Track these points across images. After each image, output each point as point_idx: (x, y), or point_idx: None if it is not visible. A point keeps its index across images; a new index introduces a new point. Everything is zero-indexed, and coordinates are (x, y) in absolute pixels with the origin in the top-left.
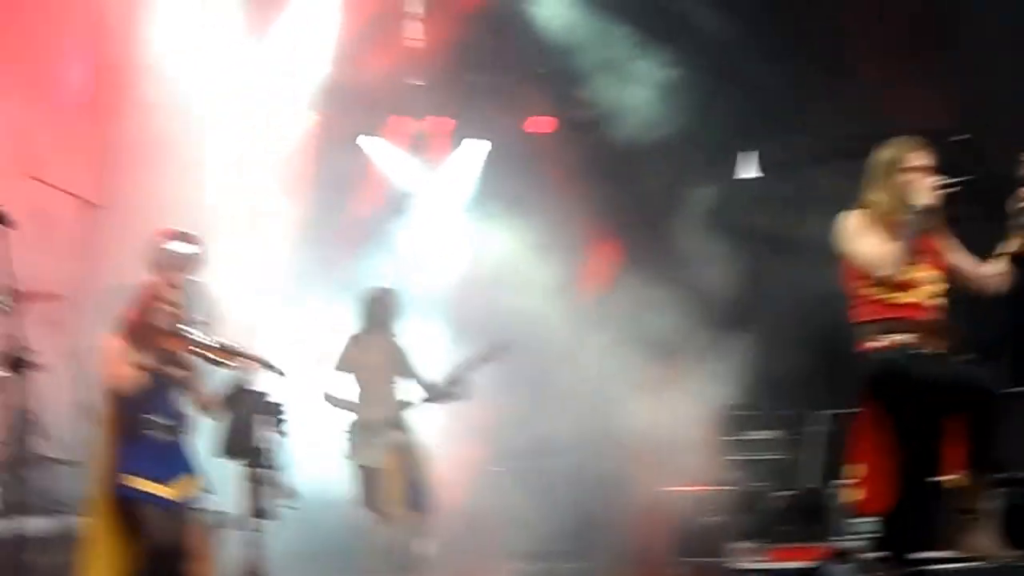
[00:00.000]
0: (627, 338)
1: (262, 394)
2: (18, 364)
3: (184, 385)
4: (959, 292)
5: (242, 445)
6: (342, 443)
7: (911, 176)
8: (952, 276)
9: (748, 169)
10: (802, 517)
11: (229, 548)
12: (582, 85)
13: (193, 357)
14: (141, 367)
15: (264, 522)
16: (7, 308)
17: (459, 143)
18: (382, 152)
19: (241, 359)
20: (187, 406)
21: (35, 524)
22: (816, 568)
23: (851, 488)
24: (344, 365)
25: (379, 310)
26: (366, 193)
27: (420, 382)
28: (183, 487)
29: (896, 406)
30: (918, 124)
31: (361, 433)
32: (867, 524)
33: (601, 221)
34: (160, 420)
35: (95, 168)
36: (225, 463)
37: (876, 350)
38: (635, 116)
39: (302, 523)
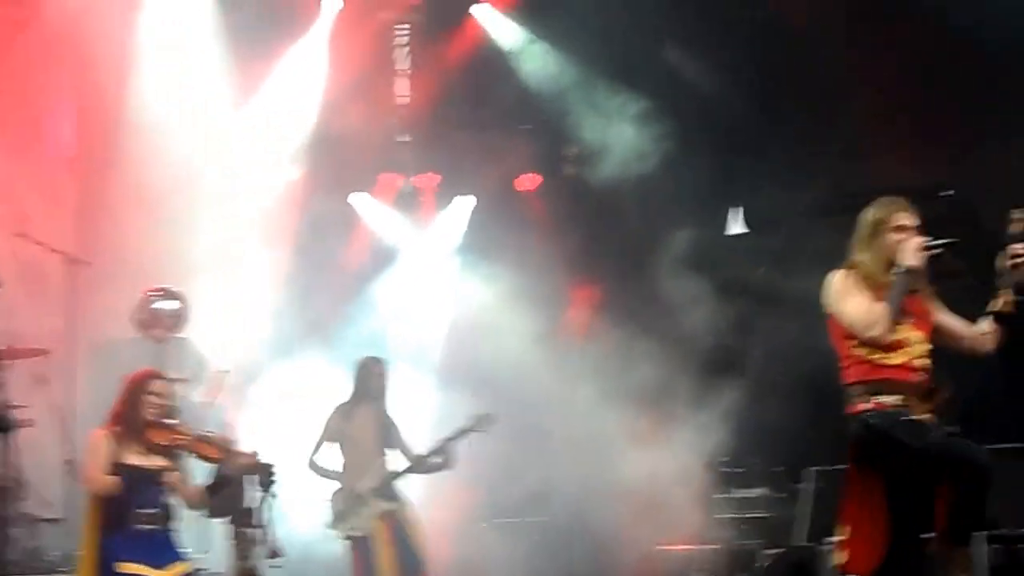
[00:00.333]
0: (614, 390)
1: (253, 455)
2: (2, 422)
3: (170, 478)
4: (947, 352)
5: (229, 504)
6: (326, 513)
7: (897, 236)
8: (940, 336)
9: (737, 224)
10: None
11: None
12: (567, 140)
13: (181, 450)
14: (122, 465)
15: None
16: None
17: (445, 198)
18: (369, 207)
19: (231, 454)
20: (172, 497)
21: None
22: None
23: (837, 548)
24: (330, 435)
25: (369, 380)
26: (353, 247)
27: (406, 454)
28: (176, 570)
29: (882, 468)
30: (907, 181)
31: (347, 503)
32: None
33: (586, 273)
34: (146, 511)
35: (81, 223)
36: (212, 522)
37: (863, 411)
38: (620, 170)
39: None
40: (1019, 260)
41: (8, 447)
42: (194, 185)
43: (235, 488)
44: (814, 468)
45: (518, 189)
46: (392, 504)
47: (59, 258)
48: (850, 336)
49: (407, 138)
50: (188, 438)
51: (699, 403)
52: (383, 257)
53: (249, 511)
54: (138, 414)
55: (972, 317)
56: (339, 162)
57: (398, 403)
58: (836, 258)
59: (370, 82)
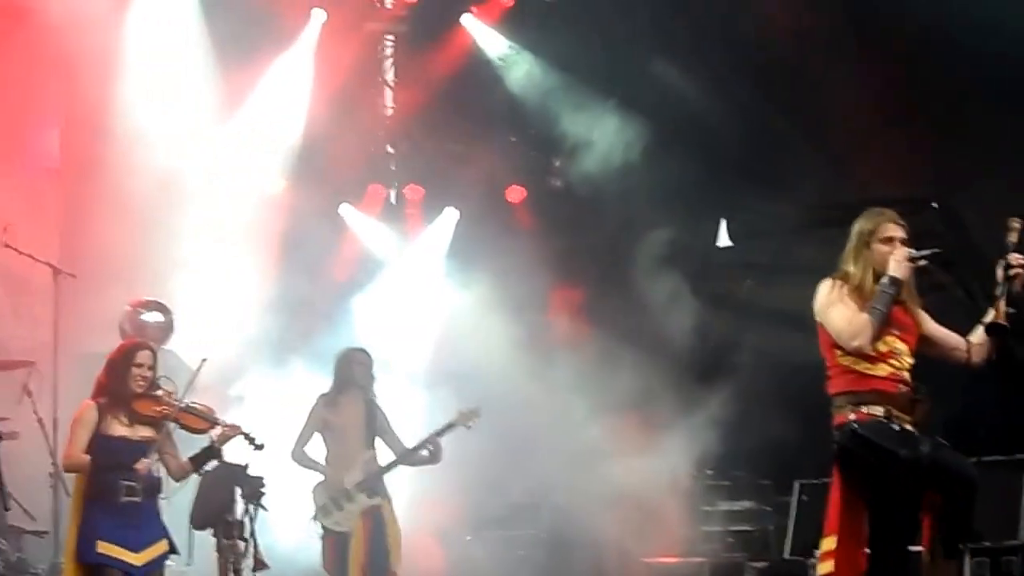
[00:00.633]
0: (600, 400)
1: (243, 467)
2: None
3: (155, 448)
4: (935, 363)
5: (215, 516)
6: (309, 504)
7: (884, 247)
8: (930, 347)
9: (726, 236)
10: None
11: None
12: (553, 152)
13: (166, 421)
14: (108, 437)
15: None
16: None
17: (431, 209)
18: (354, 218)
19: (215, 425)
20: (157, 470)
21: None
22: None
23: (821, 560)
24: (314, 425)
25: (351, 369)
26: (339, 258)
27: (393, 447)
28: (151, 553)
29: (868, 478)
30: (895, 193)
31: (330, 495)
32: None
33: (571, 283)
34: (130, 483)
35: (66, 234)
36: (199, 533)
37: (848, 422)
38: (606, 181)
39: None
40: (1018, 270)
41: None
42: (179, 195)
43: (221, 498)
44: (800, 481)
45: (504, 200)
46: (375, 500)
47: (44, 269)
48: (836, 346)
49: (392, 149)
50: (173, 409)
51: (685, 416)
52: (370, 268)
53: (234, 523)
54: (124, 385)
55: (959, 329)
56: (325, 173)
57: (386, 405)
58: (824, 270)
59: (356, 93)
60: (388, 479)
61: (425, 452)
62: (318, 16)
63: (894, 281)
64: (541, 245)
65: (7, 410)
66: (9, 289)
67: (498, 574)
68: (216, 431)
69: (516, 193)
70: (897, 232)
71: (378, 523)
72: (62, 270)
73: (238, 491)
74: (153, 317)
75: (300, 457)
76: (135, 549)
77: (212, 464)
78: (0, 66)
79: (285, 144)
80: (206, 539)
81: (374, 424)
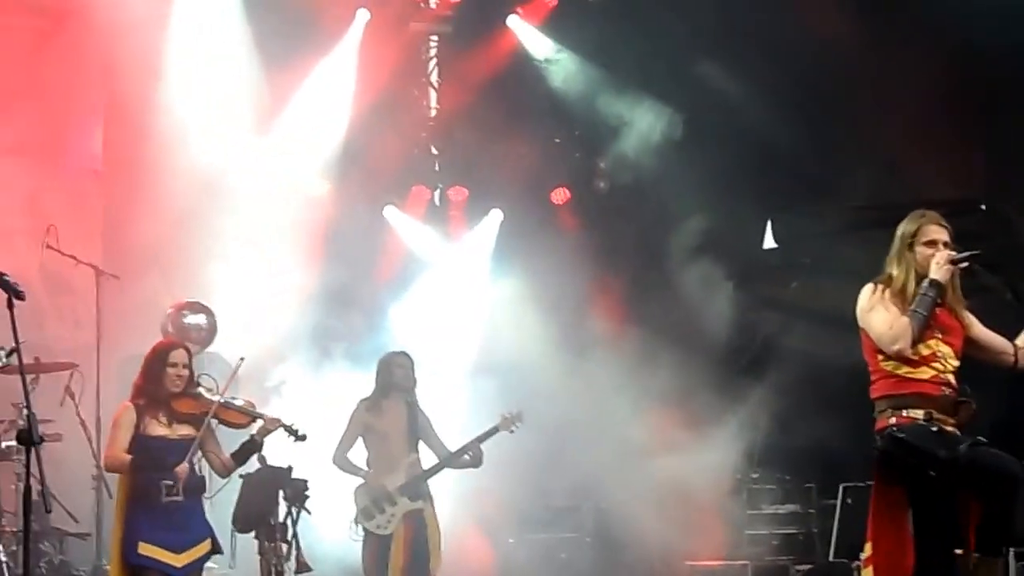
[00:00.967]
0: (643, 403)
1: (287, 469)
2: (30, 436)
3: (196, 447)
4: (980, 366)
5: (258, 519)
6: (350, 507)
7: (926, 250)
8: (976, 350)
9: (771, 238)
10: None
11: None
12: (598, 154)
13: (206, 418)
14: (148, 437)
15: None
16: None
17: (473, 211)
18: (398, 220)
19: (257, 419)
20: (201, 468)
21: None
22: None
23: (863, 565)
24: (356, 429)
25: (392, 373)
26: (383, 259)
27: (436, 451)
28: (194, 554)
29: (909, 482)
30: (942, 194)
31: (372, 498)
32: None
33: (615, 285)
34: (170, 483)
35: (108, 236)
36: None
37: (888, 426)
38: (650, 183)
39: None
40: None
41: (35, 461)
42: (222, 196)
43: (265, 501)
44: (845, 484)
45: (549, 201)
46: (417, 503)
47: (86, 270)
48: (878, 350)
49: (436, 150)
50: (212, 406)
51: (730, 418)
52: (413, 269)
53: (277, 525)
54: (160, 386)
55: (1007, 332)
56: (368, 174)
57: (430, 407)
58: (871, 272)
59: (400, 93)
60: (430, 482)
61: (467, 456)
62: (362, 16)
63: (935, 284)
64: (585, 246)
65: (50, 412)
66: (51, 290)
67: None
68: (257, 425)
69: (560, 194)
70: (939, 234)
71: (419, 526)
72: (104, 271)
73: (281, 494)
74: (196, 319)
75: (342, 462)
76: (177, 550)
77: (255, 466)
78: (43, 67)
79: (328, 145)
80: (249, 541)
81: (416, 428)
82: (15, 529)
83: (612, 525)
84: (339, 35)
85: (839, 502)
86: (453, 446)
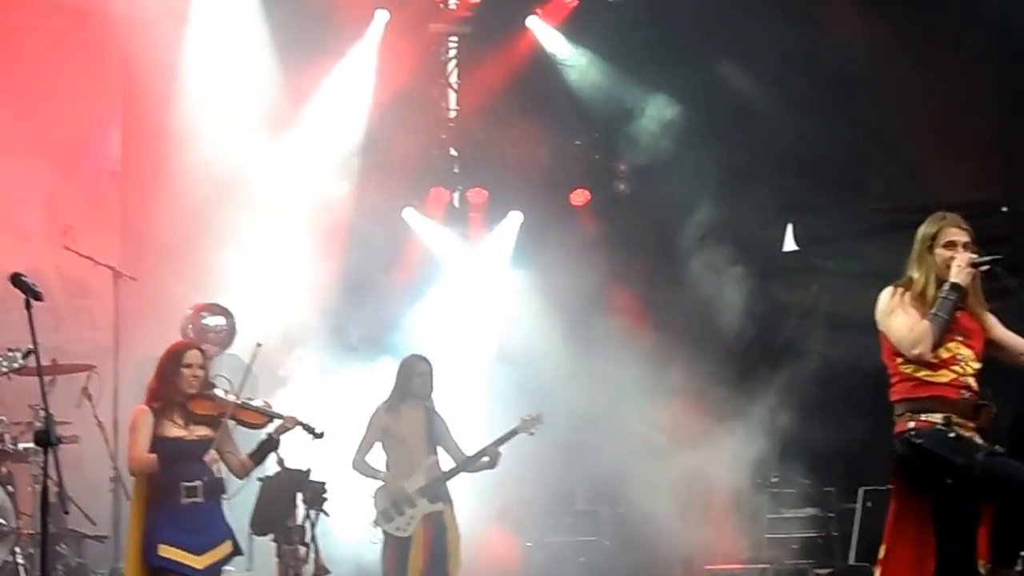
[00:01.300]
0: (664, 407)
1: (305, 472)
2: (47, 437)
3: (214, 447)
4: (1002, 369)
5: (276, 522)
6: (369, 509)
7: (946, 252)
8: (998, 353)
9: (792, 240)
10: None
11: None
12: (618, 156)
13: (223, 419)
14: (165, 439)
15: None
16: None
17: (493, 213)
18: (418, 222)
19: (274, 419)
20: (219, 469)
21: None
22: None
23: (877, 568)
24: (375, 434)
25: (411, 378)
26: (402, 261)
27: (454, 455)
28: (214, 556)
29: (926, 487)
30: (964, 196)
31: (391, 501)
32: None
33: (636, 289)
34: (190, 484)
35: (126, 237)
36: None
37: (907, 431)
38: (671, 185)
39: None
40: None
41: (52, 463)
42: (241, 197)
43: (283, 504)
44: (865, 488)
45: (569, 204)
46: (437, 505)
47: (104, 272)
48: (898, 354)
49: (455, 152)
50: (229, 406)
51: (750, 422)
52: (433, 271)
53: (295, 528)
54: (176, 387)
55: None
56: (388, 176)
57: (448, 408)
58: (892, 275)
59: (419, 94)
60: (450, 484)
61: (485, 459)
62: (381, 17)
63: (955, 287)
64: (605, 248)
65: (67, 414)
66: (69, 292)
67: None
68: (274, 424)
69: (580, 196)
70: (959, 236)
71: (439, 528)
72: (123, 273)
73: (299, 496)
74: (215, 321)
75: (361, 466)
76: (197, 552)
77: (274, 469)
78: (61, 68)
79: (347, 145)
80: (267, 544)
81: (433, 432)
82: (33, 531)
83: (631, 528)
84: (358, 35)
85: (859, 505)
86: (471, 448)
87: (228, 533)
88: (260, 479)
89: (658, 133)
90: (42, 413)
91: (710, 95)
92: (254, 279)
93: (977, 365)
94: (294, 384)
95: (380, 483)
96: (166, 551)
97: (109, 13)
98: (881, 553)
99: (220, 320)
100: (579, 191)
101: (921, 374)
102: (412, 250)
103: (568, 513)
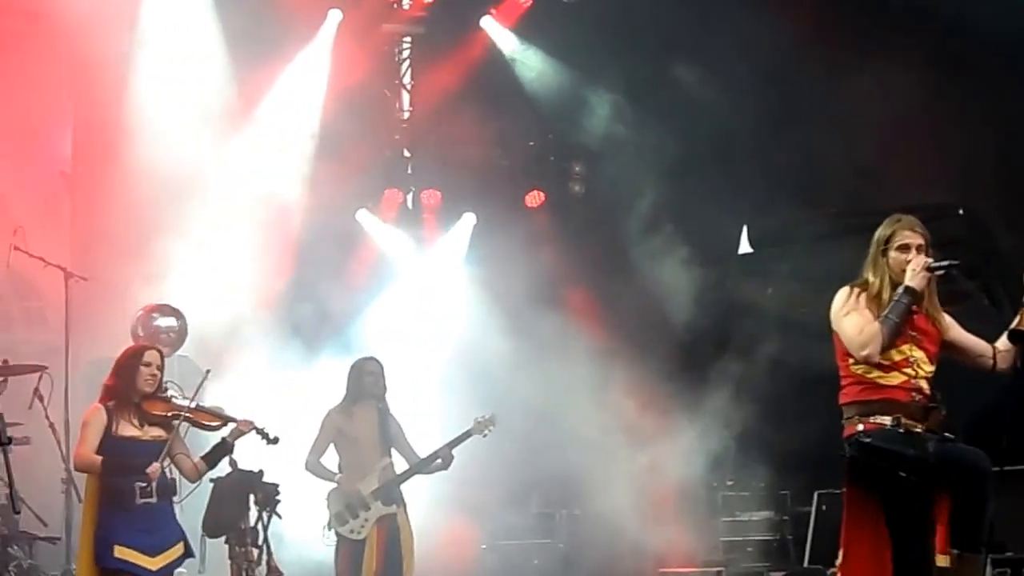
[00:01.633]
0: (618, 410)
1: (258, 474)
2: None
3: (167, 449)
4: (960, 371)
5: (228, 523)
6: (323, 512)
7: (900, 255)
8: (955, 354)
9: (747, 243)
10: None
11: None
12: (572, 157)
13: (176, 420)
14: (119, 438)
15: None
16: None
17: (447, 215)
18: (371, 223)
19: (228, 422)
20: (171, 471)
21: None
22: None
23: (837, 571)
24: (327, 435)
25: (362, 379)
26: (355, 262)
27: (407, 457)
28: (168, 557)
29: (880, 487)
30: (921, 199)
31: (345, 503)
32: None
33: (590, 291)
34: (144, 485)
35: (77, 237)
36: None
37: (856, 433)
38: (625, 187)
39: None
40: None
41: (3, 464)
42: (193, 198)
43: (235, 505)
44: (820, 491)
45: (523, 205)
46: (391, 507)
47: (55, 272)
48: (849, 355)
49: (409, 153)
50: (184, 407)
51: (705, 426)
52: (386, 273)
53: (247, 530)
54: (132, 386)
55: (984, 336)
56: (341, 177)
57: (402, 410)
58: (848, 278)
59: (373, 95)
60: (404, 485)
61: (439, 460)
62: (334, 16)
63: (909, 291)
64: (559, 248)
65: (18, 415)
66: (20, 293)
67: None
68: (229, 428)
69: (535, 198)
70: (914, 239)
71: (393, 531)
72: (74, 273)
73: (252, 498)
74: (166, 322)
75: (315, 468)
76: (151, 553)
77: (226, 470)
78: (13, 69)
79: (300, 146)
80: (219, 546)
81: (387, 433)
82: None
83: (586, 531)
84: (311, 35)
85: (814, 509)
86: (425, 450)
87: (180, 535)
88: (212, 480)
89: (612, 134)
90: None
91: (665, 96)
92: (206, 279)
93: (930, 368)
94: (245, 383)
95: (333, 485)
96: (121, 552)
97: (60, 13)
98: (839, 558)
99: (171, 321)
100: (533, 192)
101: (872, 376)
102: (366, 251)
103: (524, 515)
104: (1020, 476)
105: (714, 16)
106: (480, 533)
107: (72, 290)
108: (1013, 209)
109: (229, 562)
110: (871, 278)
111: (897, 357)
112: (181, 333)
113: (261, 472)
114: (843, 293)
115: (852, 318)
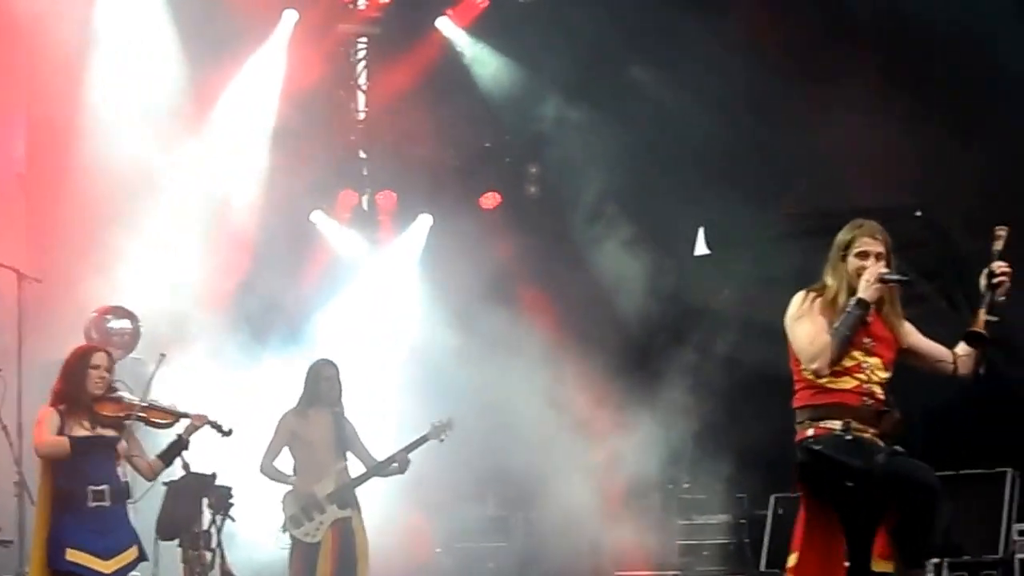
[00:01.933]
0: (574, 413)
1: (211, 477)
2: None
3: (120, 449)
4: (914, 375)
5: (181, 526)
6: (277, 514)
7: (857, 262)
8: (913, 359)
9: (704, 244)
10: None
11: None
12: (528, 158)
13: (129, 421)
14: (72, 438)
15: None
16: None
17: (402, 216)
18: (325, 224)
19: (181, 418)
20: (124, 472)
21: None
22: None
23: (787, 574)
24: (282, 437)
25: (319, 383)
26: (309, 264)
27: (363, 460)
28: (121, 560)
29: (829, 493)
30: (878, 201)
31: (300, 506)
32: None
33: (546, 292)
34: (97, 488)
35: (32, 240)
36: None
37: (806, 438)
38: (582, 188)
39: None
40: (1002, 279)
41: None
42: (147, 199)
43: (188, 508)
44: (776, 495)
45: (479, 207)
46: (346, 511)
47: (8, 274)
48: (800, 360)
49: (364, 154)
50: (136, 407)
51: (661, 429)
52: (340, 274)
53: (201, 533)
54: (82, 388)
55: (942, 341)
56: (296, 178)
57: (357, 412)
58: (807, 281)
59: (328, 96)
60: (357, 490)
61: (394, 464)
62: (290, 17)
63: (860, 303)
64: (515, 250)
65: None
66: None
67: None
68: (183, 424)
69: (490, 199)
70: (872, 247)
71: (347, 534)
72: (27, 275)
73: (205, 501)
74: (119, 324)
75: (269, 470)
76: (105, 556)
77: (179, 473)
78: None
79: (255, 147)
80: (172, 549)
81: (343, 437)
82: None
83: (541, 534)
84: (266, 35)
85: (770, 512)
86: (381, 454)
87: (134, 538)
88: (165, 483)
89: (568, 135)
90: None
91: (622, 96)
92: (159, 280)
93: (885, 374)
94: (195, 381)
95: (288, 488)
96: (74, 555)
97: (13, 13)
98: (791, 561)
99: (125, 323)
100: (489, 194)
101: (823, 380)
102: (320, 252)
103: (480, 518)
104: (977, 479)
105: (671, 16)
106: (435, 536)
107: (25, 292)
108: (972, 212)
109: (182, 565)
110: (830, 282)
111: (849, 363)
112: (135, 335)
113: (214, 475)
114: (798, 298)
115: (805, 326)
